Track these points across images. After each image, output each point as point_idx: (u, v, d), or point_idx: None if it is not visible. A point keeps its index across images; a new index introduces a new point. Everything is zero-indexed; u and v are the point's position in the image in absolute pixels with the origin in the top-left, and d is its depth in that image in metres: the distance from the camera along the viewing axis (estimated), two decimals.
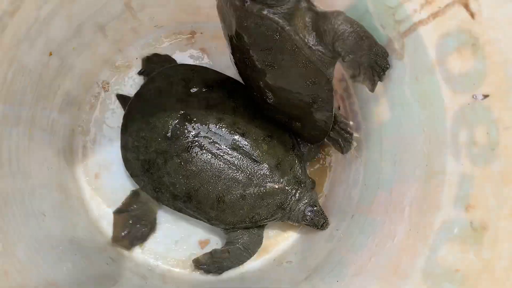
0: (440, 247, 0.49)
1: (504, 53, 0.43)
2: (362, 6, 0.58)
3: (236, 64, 0.66)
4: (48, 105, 0.67)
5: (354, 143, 0.74)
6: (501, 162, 0.44)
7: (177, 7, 0.76)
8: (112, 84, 0.82)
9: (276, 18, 0.53)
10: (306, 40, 0.56)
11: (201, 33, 0.83)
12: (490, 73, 0.45)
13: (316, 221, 0.72)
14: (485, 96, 0.46)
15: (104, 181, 0.80)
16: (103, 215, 0.79)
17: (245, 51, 0.60)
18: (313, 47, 0.56)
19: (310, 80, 0.60)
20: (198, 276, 0.77)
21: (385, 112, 0.65)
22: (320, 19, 0.56)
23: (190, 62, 0.83)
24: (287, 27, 0.54)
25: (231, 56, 0.65)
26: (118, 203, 0.78)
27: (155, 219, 0.79)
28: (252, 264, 0.78)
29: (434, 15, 0.49)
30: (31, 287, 0.53)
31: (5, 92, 0.54)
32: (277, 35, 0.55)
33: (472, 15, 0.45)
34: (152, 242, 0.79)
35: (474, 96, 0.47)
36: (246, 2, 0.53)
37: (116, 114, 0.82)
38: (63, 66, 0.67)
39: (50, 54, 0.62)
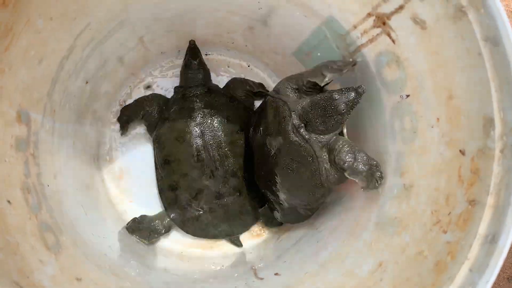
0: (385, 204, 0.69)
1: (414, 66, 0.63)
2: (321, 33, 0.78)
3: (259, 146, 0.82)
4: (83, 121, 0.86)
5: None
6: (419, 140, 0.64)
7: (178, 36, 0.95)
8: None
9: (315, 147, 0.72)
10: (324, 167, 0.73)
11: None
12: (408, 80, 0.65)
13: None
14: (407, 96, 0.66)
15: (126, 181, 0.98)
16: (126, 209, 0.97)
17: (276, 150, 0.77)
18: (326, 168, 0.73)
19: (312, 192, 0.76)
20: None
21: None
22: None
23: None
24: (319, 157, 0.72)
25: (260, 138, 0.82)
26: (139, 199, 0.97)
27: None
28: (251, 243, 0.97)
29: (370, 40, 0.69)
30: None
31: (60, 113, 0.73)
32: (310, 158, 0.73)
33: (393, 41, 0.65)
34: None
35: (401, 96, 0.67)
36: (300, 129, 0.72)
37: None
38: (93, 91, 0.86)
39: (87, 82, 0.80)
